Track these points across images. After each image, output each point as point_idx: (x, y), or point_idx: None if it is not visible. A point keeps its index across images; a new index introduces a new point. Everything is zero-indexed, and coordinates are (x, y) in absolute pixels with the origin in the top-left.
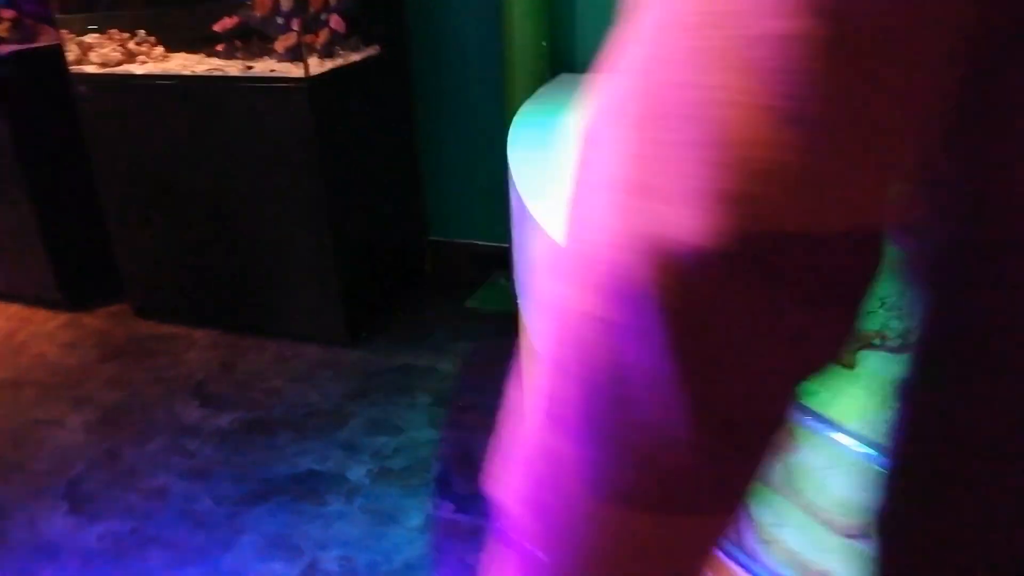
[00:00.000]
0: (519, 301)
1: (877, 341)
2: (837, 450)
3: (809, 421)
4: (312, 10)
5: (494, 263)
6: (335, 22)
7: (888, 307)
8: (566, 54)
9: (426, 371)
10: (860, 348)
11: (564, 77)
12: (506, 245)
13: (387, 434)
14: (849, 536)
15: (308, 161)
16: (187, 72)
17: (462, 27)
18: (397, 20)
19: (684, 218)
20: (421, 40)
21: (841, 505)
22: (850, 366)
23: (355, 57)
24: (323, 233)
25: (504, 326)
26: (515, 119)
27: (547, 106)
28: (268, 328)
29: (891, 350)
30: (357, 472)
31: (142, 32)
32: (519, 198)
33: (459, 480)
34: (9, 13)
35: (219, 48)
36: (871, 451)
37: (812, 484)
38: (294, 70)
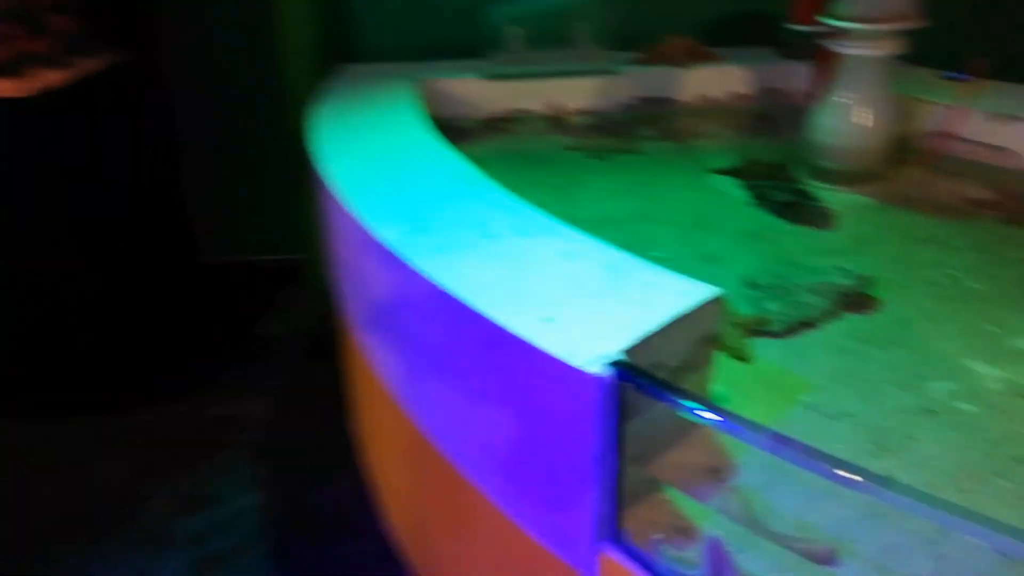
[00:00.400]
0: (328, 314)
1: (759, 327)
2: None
3: (737, 429)
4: (28, 9)
5: (283, 279)
6: (61, 24)
7: (760, 289)
8: (345, 42)
9: (229, 421)
10: (746, 336)
11: (346, 68)
12: (298, 257)
13: (199, 512)
14: (814, 559)
15: (27, 196)
16: None
17: (225, 21)
18: (146, 18)
19: None
20: (177, 40)
21: (797, 525)
22: (745, 359)
23: (91, 66)
24: (58, 279)
25: (311, 348)
26: (310, 117)
27: (339, 102)
28: None
29: (775, 335)
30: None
31: None
32: (338, 202)
33: (300, 545)
34: None
35: None
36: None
37: (761, 506)
38: (7, 88)
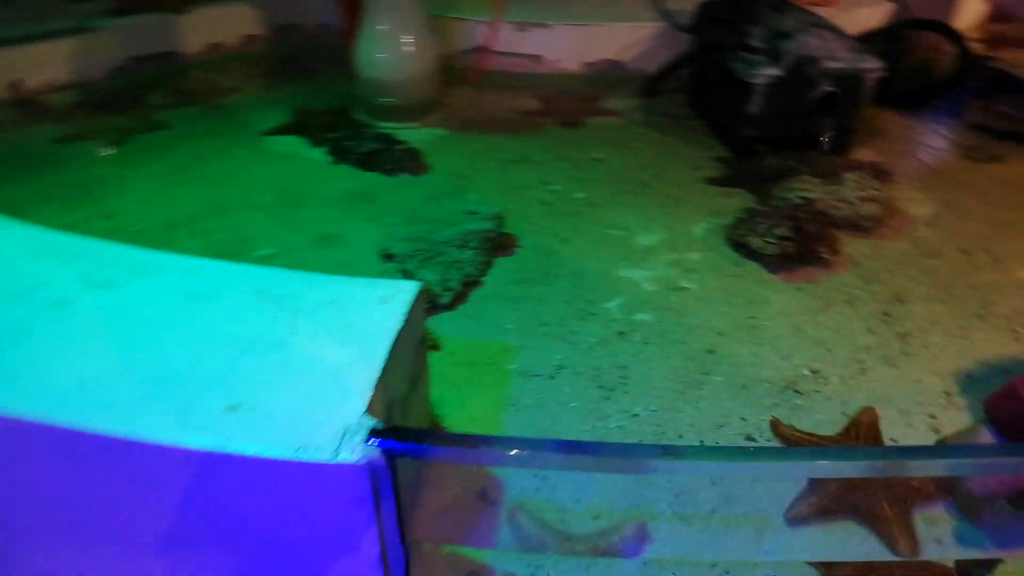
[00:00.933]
0: None
1: (428, 304)
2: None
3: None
4: None
5: None
6: None
7: (402, 260)
8: None
9: None
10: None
11: None
12: None
13: None
14: (630, 545)
15: None
16: None
17: None
18: None
19: None
20: None
21: (594, 512)
22: (436, 347)
23: None
24: None
25: None
26: None
27: None
28: None
29: (447, 308)
30: None
31: None
32: None
33: None
34: None
35: None
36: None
37: (549, 510)
38: None
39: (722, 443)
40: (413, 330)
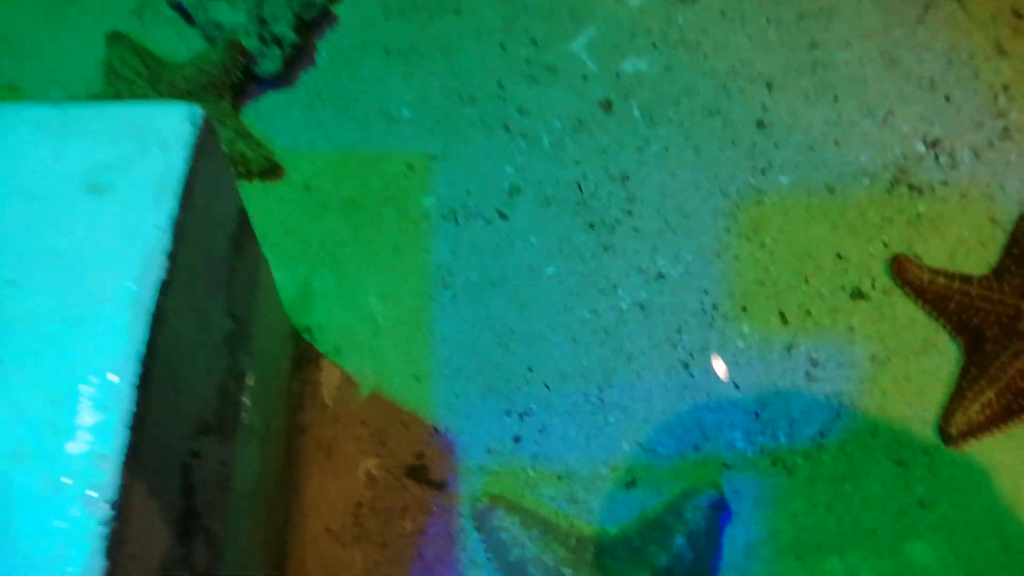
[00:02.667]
0: None
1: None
2: None
3: None
4: None
5: None
6: None
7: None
8: None
9: None
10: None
11: None
12: None
13: None
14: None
15: None
16: None
17: None
18: None
19: None
20: None
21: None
22: (270, 172)
23: None
24: None
25: None
26: None
27: None
28: None
29: (272, 85)
30: None
31: None
32: None
33: None
34: None
35: None
36: None
37: (524, 485)
38: None
39: (819, 317)
40: (207, 193)
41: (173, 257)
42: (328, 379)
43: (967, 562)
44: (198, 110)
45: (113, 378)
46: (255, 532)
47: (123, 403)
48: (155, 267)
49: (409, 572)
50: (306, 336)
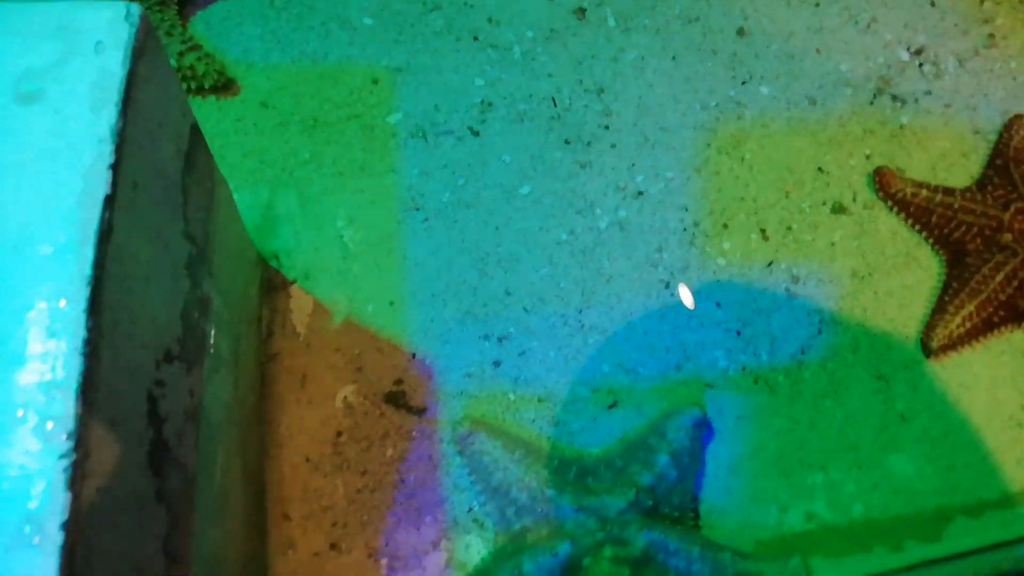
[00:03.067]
0: None
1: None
2: None
3: None
4: None
5: None
6: None
7: None
8: None
9: None
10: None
11: None
12: None
13: None
14: None
15: None
16: None
17: None
18: None
19: None
20: None
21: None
22: (223, 88)
23: None
24: None
25: None
26: None
27: None
28: None
29: None
30: None
31: None
32: None
33: None
34: None
35: None
36: None
37: (503, 409)
38: None
39: (800, 233)
40: (151, 102)
41: (116, 170)
42: (299, 306)
43: (946, 473)
44: (135, 7)
45: (62, 303)
46: (231, 464)
47: (75, 329)
48: (98, 181)
49: (392, 498)
50: (273, 263)
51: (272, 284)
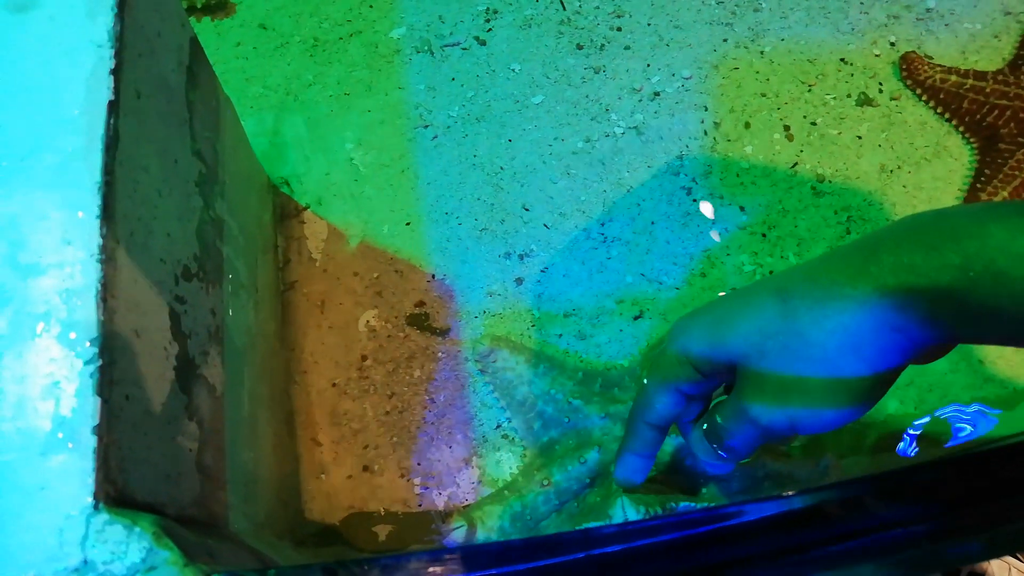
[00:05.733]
0: None
1: None
2: None
3: None
4: None
5: None
6: None
7: None
8: None
9: None
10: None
11: None
12: None
13: None
14: None
15: None
16: None
17: None
18: None
19: None
20: None
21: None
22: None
23: None
24: None
25: None
26: None
27: None
28: None
29: None
30: None
31: None
32: None
33: None
34: None
35: None
36: None
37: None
38: None
39: (824, 128)
40: (147, 8)
41: (118, 76)
42: (313, 232)
43: (979, 367)
44: None
45: (75, 212)
46: (258, 389)
47: (89, 236)
48: (100, 88)
49: (422, 418)
50: (285, 189)
51: (285, 211)
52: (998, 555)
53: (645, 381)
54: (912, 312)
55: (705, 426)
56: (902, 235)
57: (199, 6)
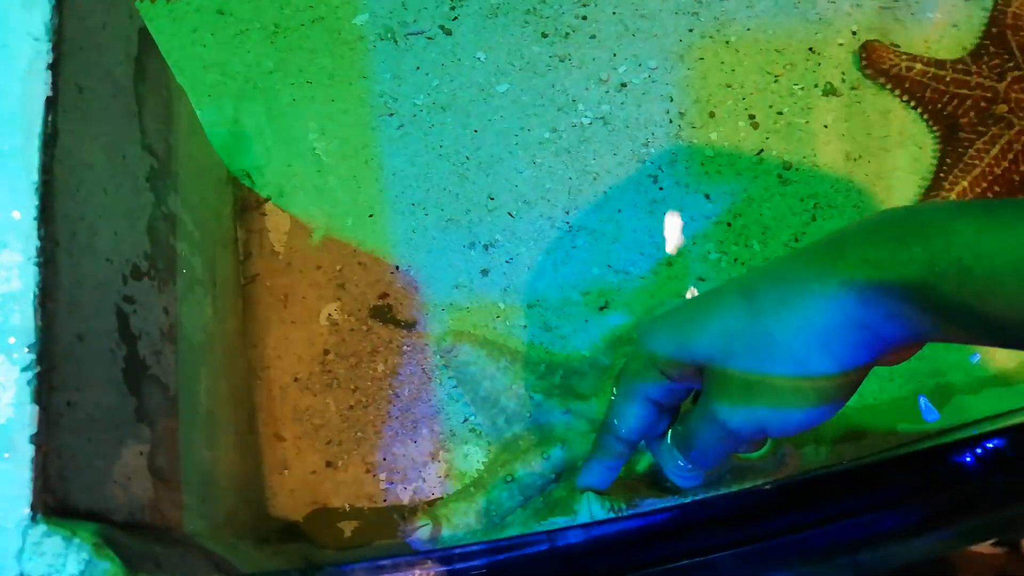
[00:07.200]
0: None
1: None
2: None
3: None
4: None
5: None
6: None
7: None
8: None
9: None
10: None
11: None
12: None
13: None
14: None
15: None
16: None
17: None
18: None
19: None
20: None
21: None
22: None
23: None
24: None
25: None
26: None
27: None
28: None
29: None
30: None
31: None
32: None
33: None
34: None
35: None
36: None
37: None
38: None
39: (790, 117)
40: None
41: (56, 70)
42: (275, 225)
43: (944, 353)
44: None
45: (12, 213)
46: (217, 386)
47: (27, 238)
48: (37, 83)
49: (387, 413)
50: (245, 181)
51: (246, 203)
52: (958, 548)
53: (614, 393)
54: (878, 307)
55: (671, 435)
56: (869, 230)
57: None
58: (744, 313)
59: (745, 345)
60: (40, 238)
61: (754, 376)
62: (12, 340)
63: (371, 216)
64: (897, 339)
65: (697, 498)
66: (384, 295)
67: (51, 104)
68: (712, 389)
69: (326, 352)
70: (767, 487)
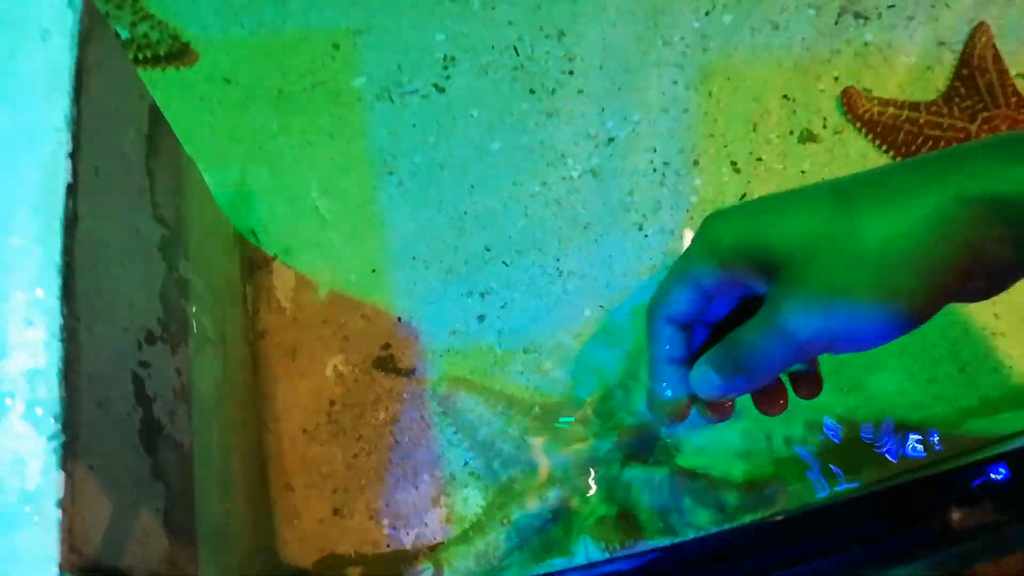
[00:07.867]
0: None
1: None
2: None
3: None
4: None
5: None
6: None
7: None
8: None
9: None
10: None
11: None
12: None
13: None
14: None
15: None
16: None
17: None
18: None
19: None
20: None
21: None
22: (179, 56)
23: None
24: None
25: None
26: None
27: None
28: None
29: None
30: None
31: None
32: None
33: None
34: None
35: None
36: None
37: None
38: None
39: (770, 163)
40: (105, 87)
41: (76, 157)
42: (282, 282)
43: (927, 387)
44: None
45: (37, 292)
46: (229, 440)
47: (51, 316)
48: (58, 171)
49: (389, 460)
50: (252, 239)
51: (253, 261)
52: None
53: (664, 277)
54: (991, 227)
55: (709, 355)
56: (994, 145)
57: (162, 53)
58: (834, 214)
59: (831, 249)
60: (63, 315)
61: (838, 285)
62: (39, 411)
63: (374, 271)
64: (1000, 267)
65: (688, 538)
66: (387, 345)
67: (71, 190)
68: (783, 295)
69: (332, 403)
70: (759, 523)
